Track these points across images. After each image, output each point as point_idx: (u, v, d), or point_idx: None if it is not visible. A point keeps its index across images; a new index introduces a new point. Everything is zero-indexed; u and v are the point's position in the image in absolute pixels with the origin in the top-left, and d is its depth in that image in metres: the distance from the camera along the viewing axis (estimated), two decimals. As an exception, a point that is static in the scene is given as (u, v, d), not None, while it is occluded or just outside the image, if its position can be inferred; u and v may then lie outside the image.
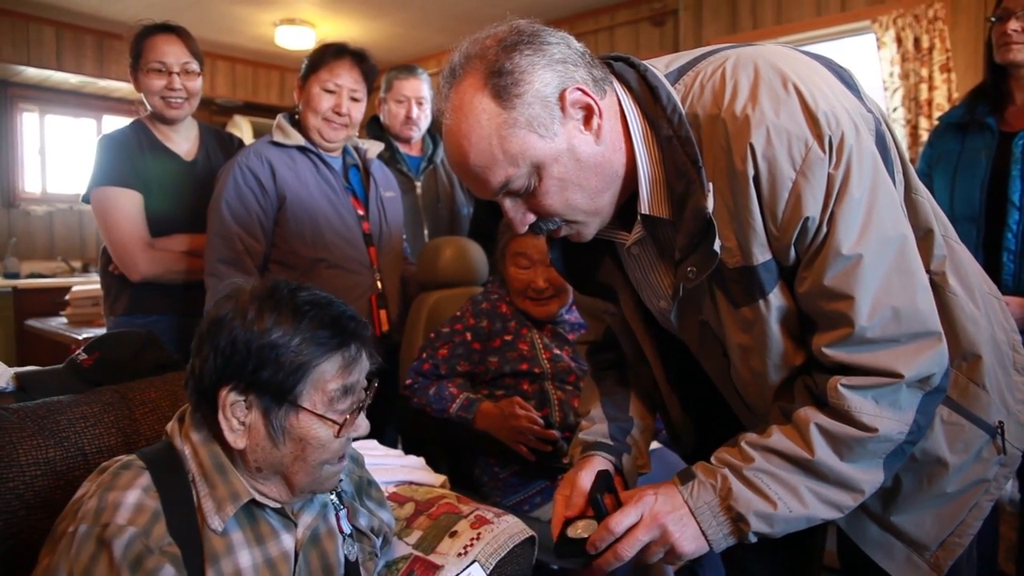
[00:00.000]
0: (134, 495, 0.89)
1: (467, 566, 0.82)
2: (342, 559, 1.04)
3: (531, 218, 0.91)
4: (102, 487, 0.90)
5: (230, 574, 0.92)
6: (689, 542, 0.89)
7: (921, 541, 0.96)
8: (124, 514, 0.86)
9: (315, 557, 1.02)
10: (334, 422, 0.95)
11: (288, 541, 0.99)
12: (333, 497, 1.08)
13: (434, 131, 2.75)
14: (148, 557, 0.85)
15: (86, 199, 2.03)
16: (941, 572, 0.95)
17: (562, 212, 0.90)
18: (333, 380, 0.94)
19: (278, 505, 0.98)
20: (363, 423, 1.00)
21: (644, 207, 0.91)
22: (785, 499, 0.86)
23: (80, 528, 0.86)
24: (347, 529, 1.07)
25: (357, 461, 1.20)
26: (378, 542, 1.15)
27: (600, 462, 1.08)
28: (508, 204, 0.90)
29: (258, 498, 0.95)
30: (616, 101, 0.90)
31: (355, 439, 1.03)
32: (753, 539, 0.88)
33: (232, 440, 0.93)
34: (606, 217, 0.94)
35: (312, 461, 0.95)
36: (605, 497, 0.95)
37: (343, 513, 1.08)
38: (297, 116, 2.04)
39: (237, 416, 0.93)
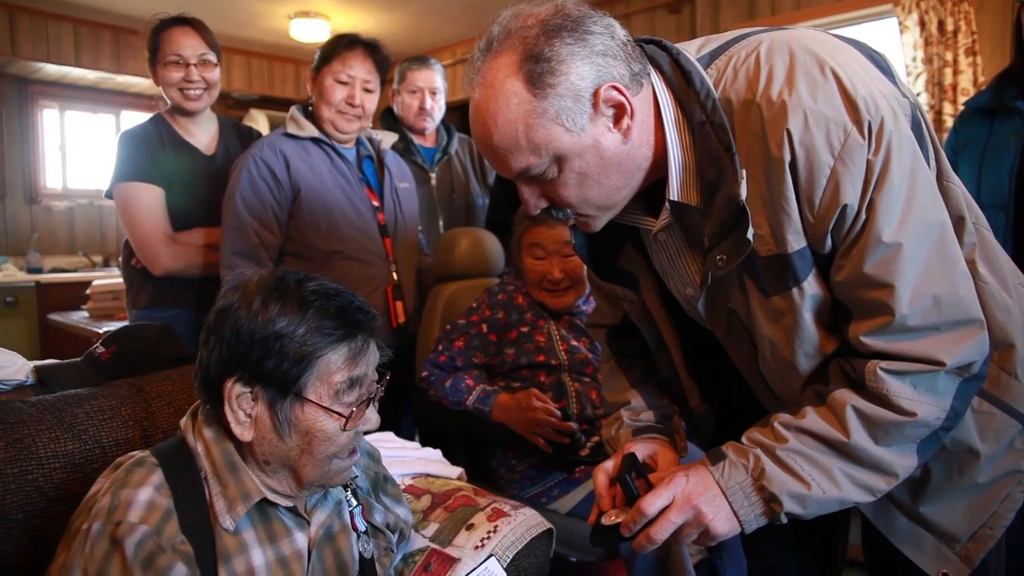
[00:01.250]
0: (146, 493, 0.88)
1: (484, 560, 0.81)
2: (356, 556, 1.04)
3: (544, 203, 0.92)
4: (115, 484, 0.90)
5: (242, 573, 0.91)
6: (723, 523, 0.88)
7: (951, 533, 0.94)
8: (136, 512, 0.86)
9: (329, 555, 1.01)
10: (340, 415, 0.93)
11: (301, 540, 0.98)
12: (348, 494, 1.07)
13: (448, 122, 2.74)
14: (160, 555, 0.84)
15: (109, 194, 2.05)
16: (972, 564, 0.93)
17: (575, 204, 0.90)
18: (339, 372, 0.93)
19: (290, 503, 0.97)
20: (373, 416, 0.99)
21: (674, 193, 0.89)
22: (819, 480, 0.85)
23: (94, 526, 0.86)
24: (362, 526, 1.07)
25: (373, 457, 1.20)
26: (394, 538, 1.14)
27: (636, 445, 1.07)
28: (524, 188, 0.91)
29: (270, 496, 0.95)
30: (651, 90, 0.89)
31: (366, 433, 1.02)
32: (784, 520, 0.88)
33: (239, 433, 0.92)
34: (618, 210, 0.94)
35: (319, 454, 0.94)
36: (636, 480, 0.95)
37: (358, 510, 1.07)
38: (311, 108, 2.04)
39: (243, 408, 0.92)
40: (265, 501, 0.95)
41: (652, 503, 0.89)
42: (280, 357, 0.90)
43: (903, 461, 0.86)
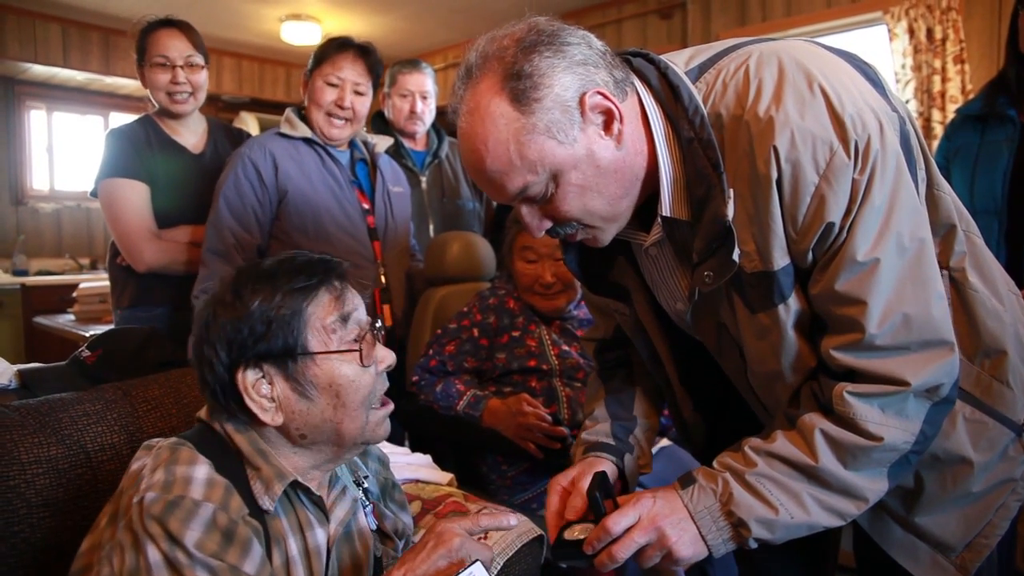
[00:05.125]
0: (203, 470, 0.87)
1: (469, 565, 0.81)
2: (372, 560, 1.03)
3: (547, 224, 0.90)
4: (164, 461, 0.87)
5: (288, 556, 0.91)
6: (687, 546, 0.88)
7: (947, 542, 0.94)
8: (198, 489, 0.84)
9: (347, 554, 1.00)
10: (350, 350, 0.94)
11: (321, 535, 0.97)
12: (360, 493, 1.07)
13: (439, 125, 2.73)
14: (238, 527, 0.84)
15: (94, 193, 2.04)
16: (968, 574, 0.93)
17: (580, 217, 0.88)
18: (328, 314, 0.94)
19: (316, 494, 0.97)
20: (385, 354, 1.00)
21: (665, 209, 0.88)
22: (787, 505, 0.85)
23: (148, 495, 0.82)
24: (373, 525, 1.06)
25: (383, 462, 1.19)
26: (400, 545, 1.13)
27: (600, 463, 1.07)
28: (524, 210, 0.89)
29: (300, 479, 0.94)
30: (637, 101, 0.88)
31: (388, 373, 1.02)
32: (753, 545, 0.87)
33: (269, 420, 0.92)
34: (623, 222, 0.92)
35: (352, 404, 0.94)
36: (603, 500, 0.95)
37: (368, 509, 1.07)
38: (304, 111, 2.03)
39: (263, 394, 0.92)
40: (291, 489, 0.94)
41: (618, 522, 0.88)
42: (273, 330, 0.91)
43: (873, 485, 0.85)
